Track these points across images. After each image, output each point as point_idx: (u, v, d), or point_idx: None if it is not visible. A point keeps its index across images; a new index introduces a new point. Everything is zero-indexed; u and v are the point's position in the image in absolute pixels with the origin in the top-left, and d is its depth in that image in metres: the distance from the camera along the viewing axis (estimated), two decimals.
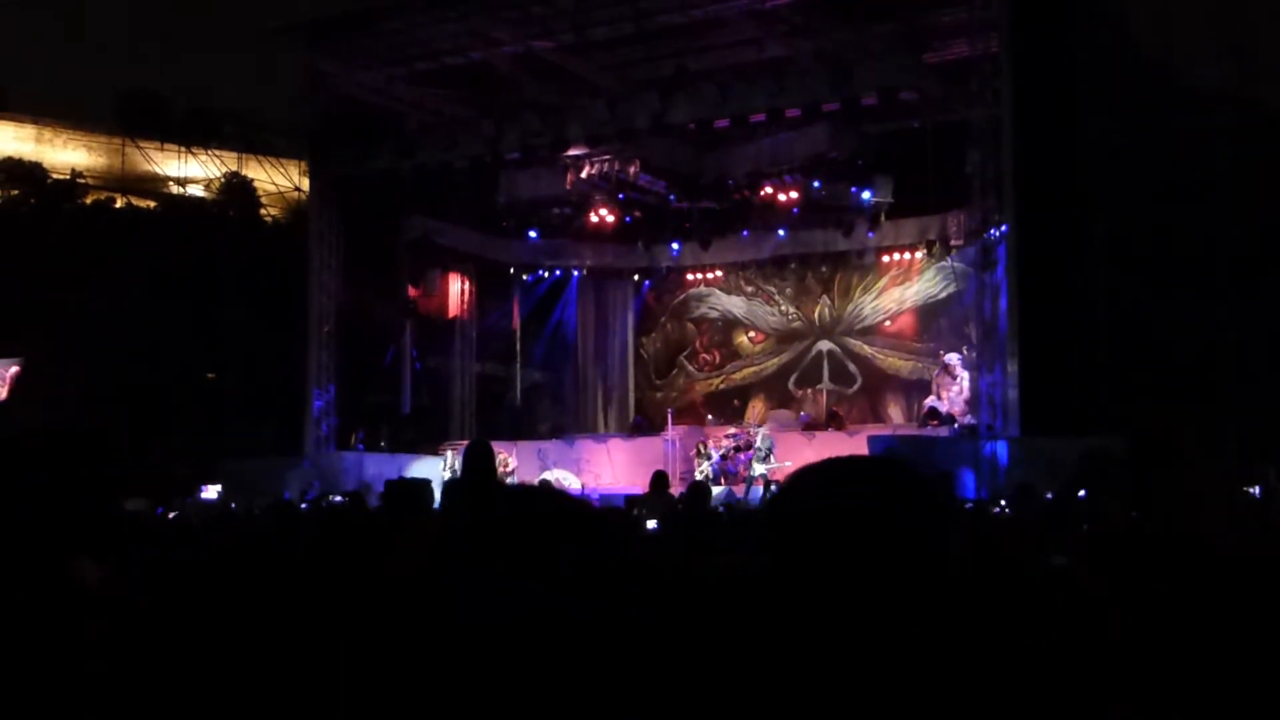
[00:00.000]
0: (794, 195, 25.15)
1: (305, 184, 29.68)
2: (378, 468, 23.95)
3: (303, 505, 15.86)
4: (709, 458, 23.83)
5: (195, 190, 39.74)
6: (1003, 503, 13.38)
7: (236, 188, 38.05)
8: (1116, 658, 2.87)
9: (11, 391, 27.27)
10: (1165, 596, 3.22)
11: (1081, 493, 13.89)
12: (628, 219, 27.73)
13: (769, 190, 25.19)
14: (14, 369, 27.42)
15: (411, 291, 27.76)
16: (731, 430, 24.84)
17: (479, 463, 4.59)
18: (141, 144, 40.07)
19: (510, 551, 2.45)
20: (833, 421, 26.52)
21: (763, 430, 24.31)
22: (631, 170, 25.67)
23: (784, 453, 22.94)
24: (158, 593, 2.49)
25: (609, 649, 2.18)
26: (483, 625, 2.33)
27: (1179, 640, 2.93)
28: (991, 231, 21.14)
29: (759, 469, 22.58)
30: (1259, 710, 2.59)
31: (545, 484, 22.16)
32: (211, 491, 20.40)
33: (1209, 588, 3.39)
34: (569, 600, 2.22)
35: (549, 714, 2.21)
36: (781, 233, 27.44)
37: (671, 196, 26.77)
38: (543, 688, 2.18)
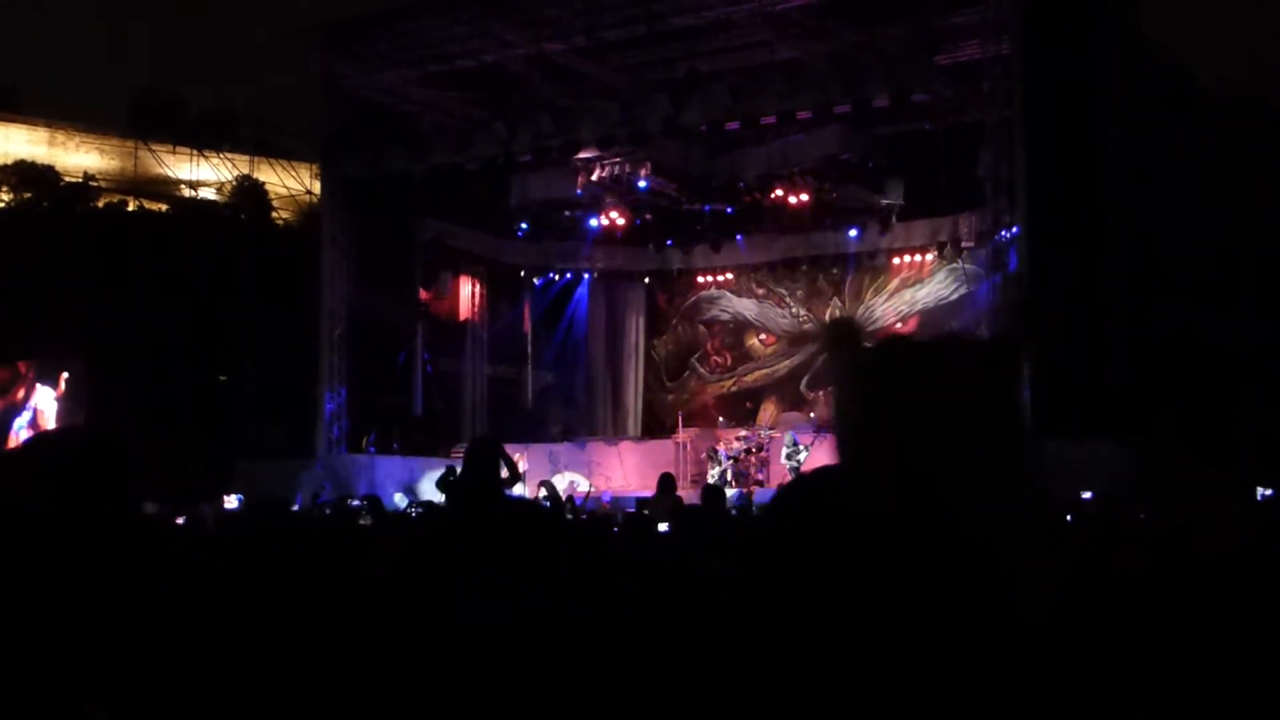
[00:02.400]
0: (805, 197, 25.15)
1: (317, 187, 29.75)
2: (389, 470, 23.99)
3: (327, 511, 15.89)
4: (720, 461, 23.81)
5: (207, 193, 39.88)
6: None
7: (248, 191, 38.20)
8: (1123, 660, 2.86)
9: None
10: (1172, 597, 3.21)
11: (1087, 494, 13.85)
12: (639, 221, 27.76)
13: (780, 192, 25.20)
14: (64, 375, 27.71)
15: (423, 294, 27.79)
16: (743, 432, 24.80)
17: (481, 462, 4.53)
18: (154, 147, 40.22)
19: (510, 552, 2.47)
20: None
21: (787, 432, 24.26)
22: (643, 172, 25.67)
23: None
24: (162, 595, 2.49)
25: (608, 648, 2.18)
26: (482, 624, 2.34)
27: (1184, 642, 2.91)
28: (1003, 233, 21.10)
29: (787, 465, 22.59)
30: (1260, 711, 2.58)
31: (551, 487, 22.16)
32: (232, 500, 20.38)
33: (1217, 590, 3.38)
34: (569, 600, 2.23)
35: (548, 713, 2.21)
36: (793, 234, 27.44)
37: (683, 199, 26.76)
38: (542, 686, 2.18)
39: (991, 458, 1.60)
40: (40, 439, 2.42)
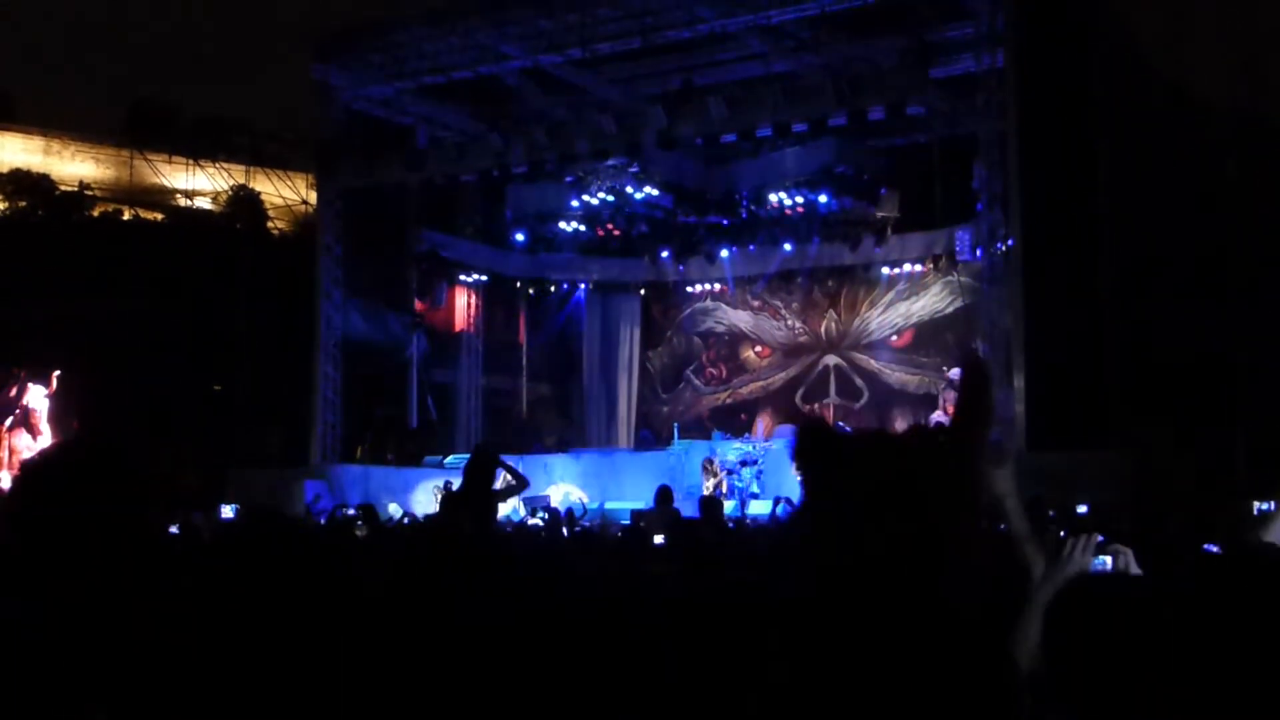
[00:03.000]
0: (800, 209, 25.19)
1: (313, 197, 29.77)
2: (383, 480, 23.97)
3: (321, 519, 15.89)
4: (715, 473, 23.76)
5: (202, 203, 39.86)
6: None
7: (244, 200, 38.19)
8: (1122, 670, 2.86)
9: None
10: (1171, 608, 3.21)
11: (1083, 508, 13.85)
12: (634, 233, 27.81)
13: (775, 204, 25.24)
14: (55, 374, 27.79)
15: (418, 305, 27.79)
16: (737, 445, 24.76)
17: (479, 473, 4.52)
18: (149, 156, 40.21)
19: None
20: None
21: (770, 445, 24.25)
22: (638, 184, 25.72)
23: None
24: (162, 598, 2.51)
25: (604, 657, 2.18)
26: (482, 627, 2.35)
27: (1185, 652, 2.91)
28: (998, 246, 21.12)
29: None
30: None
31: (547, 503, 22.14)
32: (228, 510, 20.33)
33: (1216, 601, 3.38)
34: (571, 604, 2.23)
35: (549, 714, 2.21)
36: (788, 247, 27.47)
37: (678, 211, 26.80)
38: (538, 694, 2.19)
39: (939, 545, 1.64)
40: (53, 450, 2.45)
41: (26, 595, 2.17)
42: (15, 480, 2.35)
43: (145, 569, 2.27)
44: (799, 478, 1.85)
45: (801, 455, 1.80)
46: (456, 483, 22.29)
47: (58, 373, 28.02)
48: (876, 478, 1.68)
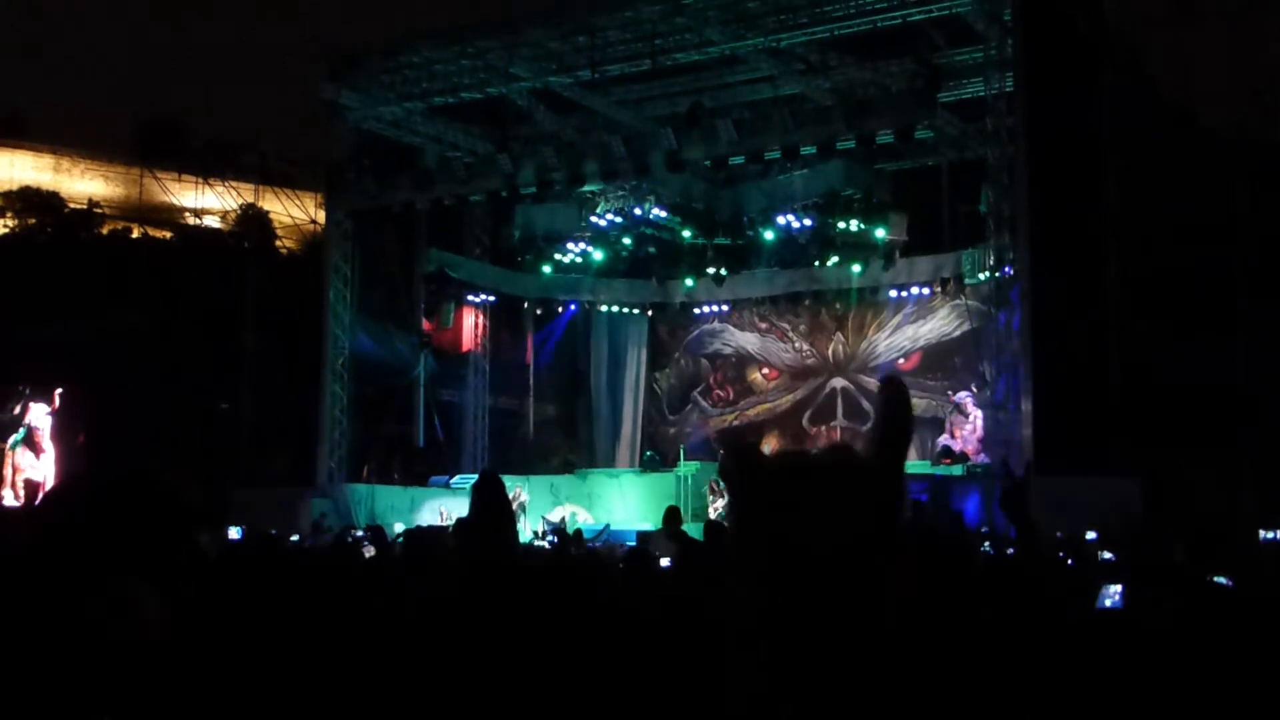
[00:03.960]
0: (809, 232, 25.21)
1: (321, 216, 29.82)
2: (390, 500, 23.97)
3: (328, 537, 15.86)
4: (722, 494, 23.75)
5: (211, 221, 39.97)
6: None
7: (252, 219, 38.26)
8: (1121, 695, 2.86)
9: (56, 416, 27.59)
10: (1180, 635, 3.21)
11: (1092, 535, 13.84)
12: (642, 254, 27.84)
13: (783, 226, 25.27)
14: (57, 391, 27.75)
15: (426, 324, 27.82)
16: None
17: (486, 497, 4.47)
18: (159, 175, 40.33)
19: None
20: None
21: None
22: (646, 205, 25.76)
23: None
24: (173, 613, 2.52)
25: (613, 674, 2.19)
26: (489, 647, 2.36)
27: (1189, 678, 2.92)
28: (1006, 270, 21.14)
29: None
30: None
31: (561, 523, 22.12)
32: (234, 531, 20.31)
33: (1222, 628, 3.38)
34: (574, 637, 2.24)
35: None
36: (796, 269, 27.49)
37: (686, 232, 26.83)
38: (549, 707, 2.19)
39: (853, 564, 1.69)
40: (84, 482, 2.47)
41: (36, 604, 2.18)
42: (50, 505, 2.36)
43: (159, 583, 2.29)
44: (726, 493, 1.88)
45: (725, 474, 1.86)
46: (449, 508, 22.16)
47: (60, 390, 28.01)
48: (793, 495, 1.74)
